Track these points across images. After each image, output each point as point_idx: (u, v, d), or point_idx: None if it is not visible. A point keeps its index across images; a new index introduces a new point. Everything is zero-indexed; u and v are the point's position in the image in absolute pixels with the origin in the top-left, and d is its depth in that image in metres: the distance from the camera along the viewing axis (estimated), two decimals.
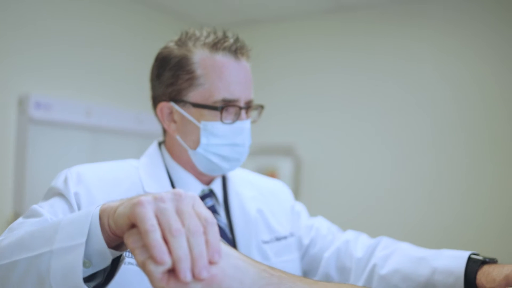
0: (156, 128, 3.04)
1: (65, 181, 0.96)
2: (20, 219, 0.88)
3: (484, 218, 2.68)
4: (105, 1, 2.92)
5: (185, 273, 0.54)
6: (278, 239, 1.14)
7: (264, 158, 3.34)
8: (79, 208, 0.93)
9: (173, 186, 1.08)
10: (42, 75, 2.56)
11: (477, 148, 2.75)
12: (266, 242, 1.12)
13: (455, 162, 2.81)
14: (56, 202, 0.93)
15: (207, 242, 0.57)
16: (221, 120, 1.05)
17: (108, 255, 0.66)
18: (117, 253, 0.67)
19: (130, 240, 0.58)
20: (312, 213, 1.42)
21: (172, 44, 1.11)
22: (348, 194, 3.12)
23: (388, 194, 2.99)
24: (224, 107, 1.04)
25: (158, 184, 1.06)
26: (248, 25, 3.56)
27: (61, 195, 0.95)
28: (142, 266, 0.56)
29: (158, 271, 0.55)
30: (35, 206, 0.90)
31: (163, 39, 3.77)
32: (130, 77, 3.08)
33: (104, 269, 0.69)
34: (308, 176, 3.24)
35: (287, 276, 0.68)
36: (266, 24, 3.52)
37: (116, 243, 0.66)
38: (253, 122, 1.14)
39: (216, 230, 0.58)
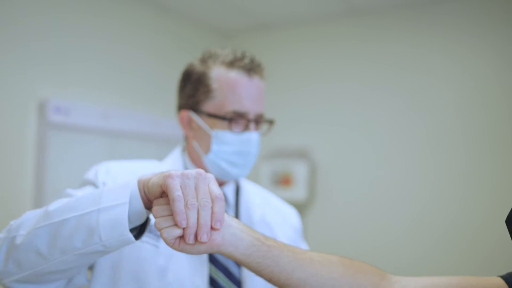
0: (172, 132, 3.08)
1: (95, 173, 1.14)
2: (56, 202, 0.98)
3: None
4: (121, 7, 2.94)
5: (189, 238, 0.75)
6: None
7: (279, 161, 3.34)
8: None
9: None
10: (61, 80, 2.58)
11: (498, 152, 2.73)
12: None
13: (474, 165, 2.79)
14: (87, 189, 1.07)
15: (213, 213, 0.75)
16: (230, 129, 1.19)
17: (144, 215, 0.83)
18: (149, 213, 0.83)
19: (155, 208, 0.78)
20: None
21: (196, 62, 1.27)
22: (363, 197, 3.11)
23: (404, 198, 2.98)
24: (234, 118, 1.18)
25: None
26: (262, 30, 3.56)
27: (92, 183, 1.11)
28: (160, 232, 0.75)
29: (172, 235, 0.75)
30: (69, 190, 1.04)
31: (178, 43, 3.83)
32: (147, 81, 3.10)
33: (135, 227, 0.85)
34: (323, 179, 3.23)
35: (277, 245, 0.82)
36: (280, 29, 3.52)
37: (147, 206, 0.83)
38: (263, 134, 1.27)
39: (222, 205, 0.76)
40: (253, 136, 1.21)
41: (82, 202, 0.83)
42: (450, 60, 2.90)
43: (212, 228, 0.75)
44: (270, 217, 1.29)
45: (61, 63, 2.58)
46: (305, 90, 3.40)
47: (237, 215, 1.25)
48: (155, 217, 0.77)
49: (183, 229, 0.75)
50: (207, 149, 1.21)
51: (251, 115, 1.20)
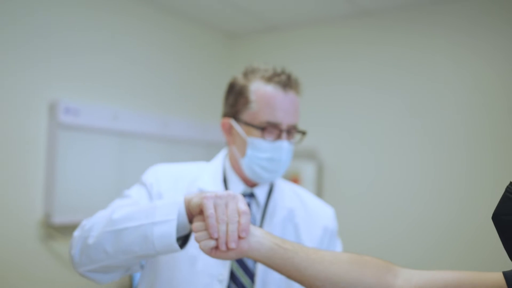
0: (182, 133, 3.13)
1: (146, 175, 1.37)
2: (117, 200, 1.29)
3: None
4: (130, 9, 3.01)
5: (222, 246, 0.95)
6: None
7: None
8: (151, 194, 1.32)
9: (225, 183, 1.39)
10: (71, 82, 2.65)
11: (499, 153, 2.74)
12: None
13: (477, 165, 2.79)
14: (140, 188, 1.34)
15: (239, 225, 0.95)
16: (263, 137, 1.33)
17: (188, 227, 1.04)
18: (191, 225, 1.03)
19: (195, 224, 0.98)
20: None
21: (239, 75, 1.42)
22: (369, 197, 3.13)
23: (408, 197, 3.00)
24: (266, 127, 1.32)
25: (212, 182, 1.38)
26: (269, 32, 3.61)
27: (143, 184, 1.34)
28: (199, 244, 0.96)
29: (208, 246, 0.95)
30: (126, 191, 1.32)
31: (187, 45, 3.88)
32: (156, 82, 3.16)
33: (180, 237, 1.07)
34: (330, 179, 3.27)
35: (293, 247, 0.98)
36: (287, 30, 3.56)
37: (191, 221, 1.03)
38: (295, 144, 1.40)
39: (247, 218, 0.96)
40: (284, 144, 1.34)
41: (140, 214, 1.06)
42: (454, 61, 2.91)
43: (239, 237, 0.95)
44: (298, 218, 1.40)
45: (71, 67, 2.65)
46: (313, 92, 3.43)
47: (264, 215, 1.37)
48: (194, 232, 0.98)
49: (216, 240, 0.95)
50: (243, 154, 1.36)
51: (284, 126, 1.33)
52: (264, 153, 1.34)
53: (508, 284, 0.87)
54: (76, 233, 1.15)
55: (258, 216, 1.38)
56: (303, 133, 1.40)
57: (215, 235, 0.94)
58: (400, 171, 3.05)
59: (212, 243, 0.95)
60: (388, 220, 3.05)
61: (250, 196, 1.39)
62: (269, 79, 1.35)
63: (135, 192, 1.32)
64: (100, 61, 2.80)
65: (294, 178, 3.35)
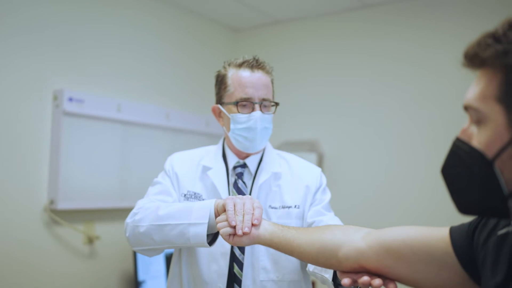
0: (184, 125, 3.19)
1: (165, 162, 1.72)
2: (150, 188, 1.67)
3: None
4: (135, 4, 3.08)
5: (238, 231, 1.21)
6: (283, 207, 1.62)
7: (292, 153, 3.42)
8: (170, 178, 1.67)
9: (224, 159, 1.68)
10: (76, 73, 2.72)
11: None
12: (273, 208, 1.61)
13: None
14: (163, 175, 1.70)
15: (253, 215, 1.23)
16: (238, 111, 1.61)
17: (215, 228, 1.32)
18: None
19: (218, 218, 1.29)
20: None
21: (221, 69, 1.70)
22: (370, 188, 3.17)
23: (409, 188, 3.03)
24: (240, 102, 1.60)
25: (214, 159, 1.69)
26: (272, 25, 3.66)
27: (164, 170, 1.70)
28: (220, 232, 1.25)
29: (226, 232, 1.23)
30: (155, 179, 1.69)
31: (191, 39, 3.95)
32: (160, 75, 3.22)
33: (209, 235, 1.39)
34: (330, 170, 3.31)
35: (288, 228, 1.21)
36: (290, 23, 3.61)
37: None
38: (272, 114, 1.66)
39: (259, 211, 1.26)
40: (257, 114, 1.60)
41: (180, 214, 1.41)
42: (458, 53, 2.93)
43: (252, 224, 1.22)
44: (283, 180, 1.65)
45: (76, 56, 2.72)
46: (315, 84, 3.48)
47: (253, 180, 1.65)
48: (217, 223, 1.29)
49: (234, 227, 1.22)
50: (228, 129, 1.64)
51: (255, 99, 1.60)
52: (242, 124, 1.60)
53: (451, 237, 0.93)
54: (128, 220, 1.52)
55: (249, 183, 1.65)
56: (277, 104, 1.66)
57: (233, 223, 1.23)
58: (401, 161, 3.09)
59: (230, 230, 1.22)
60: (388, 210, 3.09)
61: (243, 166, 1.66)
62: (240, 65, 1.63)
63: (161, 179, 1.68)
64: (104, 52, 2.87)
65: None
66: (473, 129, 0.75)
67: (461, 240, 0.91)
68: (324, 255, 1.08)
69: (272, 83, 1.68)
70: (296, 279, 1.57)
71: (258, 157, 1.69)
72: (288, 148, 3.44)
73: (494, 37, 0.70)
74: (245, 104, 1.60)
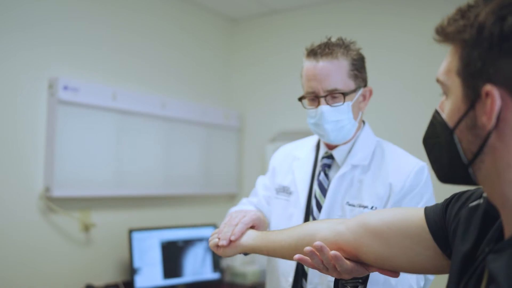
0: (180, 115, 3.19)
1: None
2: (257, 183, 1.80)
3: None
4: None
5: (222, 242, 1.29)
6: (360, 206, 1.48)
7: (286, 142, 3.42)
8: (270, 173, 1.74)
9: (318, 150, 1.63)
10: (71, 61, 2.72)
11: None
12: (350, 205, 1.49)
13: None
14: (269, 174, 1.76)
15: (233, 231, 1.30)
16: (304, 107, 1.55)
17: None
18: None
19: (214, 231, 1.38)
20: None
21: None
22: None
23: None
24: (305, 97, 1.54)
25: (306, 150, 1.66)
26: (271, 15, 3.65)
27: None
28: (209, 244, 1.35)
29: (212, 243, 1.32)
30: (260, 176, 1.81)
31: (185, 28, 3.94)
32: (156, 64, 3.22)
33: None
34: None
35: (272, 232, 1.26)
36: (286, 13, 3.60)
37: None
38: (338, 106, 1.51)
39: (240, 227, 1.31)
40: (321, 109, 1.49)
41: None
42: None
43: (229, 239, 1.29)
44: (366, 174, 1.50)
45: (71, 45, 2.72)
46: None
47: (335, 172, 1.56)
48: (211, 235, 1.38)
49: (218, 239, 1.31)
50: None
51: (320, 93, 1.49)
52: (312, 118, 1.53)
53: (426, 213, 0.97)
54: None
55: (333, 175, 1.55)
56: (343, 94, 1.49)
57: (218, 235, 1.31)
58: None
59: (215, 240, 1.31)
60: None
61: (330, 157, 1.58)
62: (307, 54, 1.55)
63: (267, 173, 1.76)
64: (100, 41, 2.87)
65: None
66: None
67: (435, 215, 0.95)
68: (303, 242, 1.10)
69: (353, 64, 1.51)
70: None
71: (347, 147, 1.56)
72: (284, 138, 3.45)
73: (461, 12, 0.73)
74: (312, 98, 1.52)
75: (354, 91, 1.51)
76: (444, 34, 0.75)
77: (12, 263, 2.44)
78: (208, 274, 3.09)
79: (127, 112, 2.90)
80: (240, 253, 1.32)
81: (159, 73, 3.25)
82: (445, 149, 0.78)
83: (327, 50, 1.50)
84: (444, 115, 0.78)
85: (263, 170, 3.65)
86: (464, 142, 0.75)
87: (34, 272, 2.52)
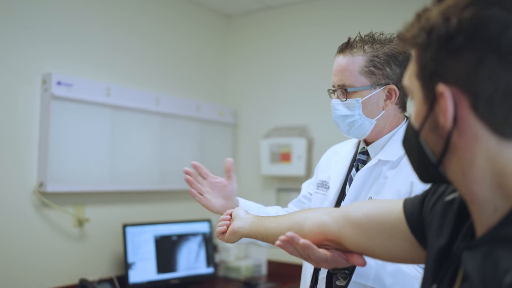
0: (174, 109, 3.19)
1: None
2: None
3: None
4: None
5: (216, 234, 1.36)
6: None
7: (280, 138, 3.46)
8: (316, 171, 1.76)
9: (358, 146, 1.63)
10: (64, 57, 2.73)
11: None
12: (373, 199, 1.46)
13: None
14: (313, 179, 1.79)
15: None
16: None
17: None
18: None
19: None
20: None
21: None
22: None
23: None
24: (329, 91, 1.59)
25: (346, 146, 1.68)
26: (265, 10, 3.65)
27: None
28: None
29: (218, 232, 1.35)
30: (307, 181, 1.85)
31: (180, 24, 3.94)
32: (150, 60, 3.22)
33: None
34: (320, 155, 3.31)
35: (264, 217, 1.26)
36: (281, 9, 3.61)
37: None
38: (342, 100, 1.53)
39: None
40: (332, 103, 1.56)
41: None
42: None
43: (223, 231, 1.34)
44: (391, 171, 1.47)
45: (65, 40, 2.73)
46: (305, 69, 3.49)
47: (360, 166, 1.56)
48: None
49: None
50: None
51: (335, 86, 1.55)
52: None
53: (404, 205, 0.99)
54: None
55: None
56: (346, 90, 1.51)
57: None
58: None
59: (220, 228, 1.35)
60: None
61: (365, 153, 1.58)
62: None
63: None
64: (93, 36, 2.88)
65: (285, 154, 3.43)
66: None
67: (413, 208, 0.96)
68: (292, 230, 1.13)
69: (371, 61, 1.49)
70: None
71: (381, 143, 1.54)
72: (278, 134, 3.47)
73: (417, 17, 0.75)
74: (332, 91, 1.58)
75: (369, 88, 1.49)
76: (403, 40, 0.77)
77: (6, 258, 2.45)
78: (202, 268, 3.11)
79: (121, 107, 2.91)
80: (240, 238, 1.32)
81: (153, 69, 3.26)
82: (415, 151, 0.80)
83: (348, 46, 1.53)
84: (412, 118, 0.81)
85: (258, 166, 3.67)
86: (430, 143, 0.76)
87: (28, 267, 2.52)
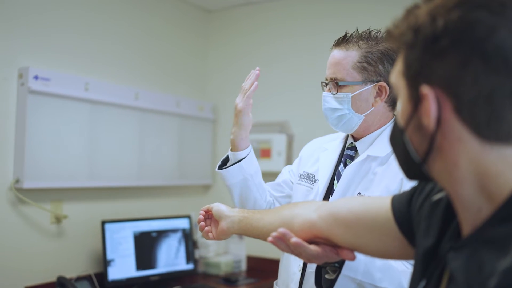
0: (153, 105, 3.16)
1: None
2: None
3: None
4: None
5: (204, 236, 1.37)
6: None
7: (260, 134, 3.46)
8: (296, 161, 1.79)
9: (345, 141, 1.63)
10: (41, 51, 2.68)
11: None
12: (361, 196, 1.46)
13: None
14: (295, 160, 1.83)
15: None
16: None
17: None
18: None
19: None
20: None
21: None
22: None
23: None
24: (323, 84, 1.59)
25: (334, 142, 1.67)
26: (246, 5, 3.64)
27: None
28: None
29: (204, 232, 1.36)
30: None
31: (159, 19, 3.90)
32: (129, 55, 3.19)
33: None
34: (299, 151, 3.34)
35: (252, 213, 1.26)
36: (261, 5, 3.60)
37: None
38: (333, 93, 1.54)
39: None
40: (323, 95, 1.57)
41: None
42: None
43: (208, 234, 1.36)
44: (380, 167, 1.47)
45: (42, 33, 2.68)
46: (285, 65, 3.49)
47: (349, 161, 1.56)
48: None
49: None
50: None
51: (327, 79, 1.56)
52: None
53: (392, 204, 0.99)
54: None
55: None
56: (337, 83, 1.53)
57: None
58: None
59: (206, 229, 1.37)
60: None
61: (353, 148, 1.58)
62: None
63: (294, 161, 1.81)
64: (71, 30, 2.83)
65: (265, 150, 3.43)
66: None
67: (401, 206, 0.96)
68: None
69: (365, 57, 1.50)
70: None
71: (369, 139, 1.54)
72: (258, 130, 3.47)
73: (406, 14, 0.75)
74: (323, 84, 1.59)
75: (359, 83, 1.50)
76: (391, 37, 0.77)
77: None
78: (182, 265, 3.10)
79: (100, 102, 2.87)
80: (231, 234, 1.33)
81: (132, 63, 3.22)
82: (400, 148, 0.80)
83: (344, 40, 1.54)
84: (398, 116, 0.81)
85: None
86: (414, 142, 0.76)
87: (5, 265, 2.48)
